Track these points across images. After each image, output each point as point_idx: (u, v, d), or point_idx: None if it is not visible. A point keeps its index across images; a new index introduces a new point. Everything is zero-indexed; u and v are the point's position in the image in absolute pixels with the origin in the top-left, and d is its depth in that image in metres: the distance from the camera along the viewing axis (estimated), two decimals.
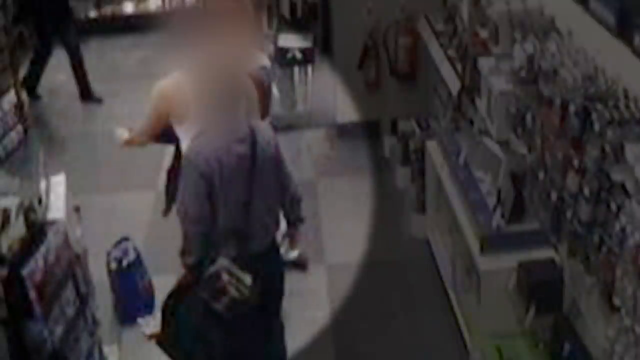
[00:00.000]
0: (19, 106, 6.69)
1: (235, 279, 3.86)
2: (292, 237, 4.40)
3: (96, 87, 8.63)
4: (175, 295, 4.10)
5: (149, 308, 5.28)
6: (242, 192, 3.91)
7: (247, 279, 3.87)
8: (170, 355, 4.23)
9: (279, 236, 4.32)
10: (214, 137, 3.91)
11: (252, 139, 3.94)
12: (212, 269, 3.87)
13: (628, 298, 2.88)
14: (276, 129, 5.00)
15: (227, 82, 3.93)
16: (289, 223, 4.33)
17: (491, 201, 4.61)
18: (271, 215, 4.12)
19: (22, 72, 8.29)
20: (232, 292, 3.85)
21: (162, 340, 4.18)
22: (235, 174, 3.88)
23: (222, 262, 3.87)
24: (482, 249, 4.44)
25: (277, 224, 4.21)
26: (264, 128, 4.13)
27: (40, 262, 3.56)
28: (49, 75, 8.75)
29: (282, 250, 4.48)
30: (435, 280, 5.50)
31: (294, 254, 5.36)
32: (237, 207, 3.92)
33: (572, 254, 3.42)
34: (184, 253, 3.99)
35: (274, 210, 4.16)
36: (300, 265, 5.59)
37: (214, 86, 3.92)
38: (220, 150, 3.87)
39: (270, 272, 4.14)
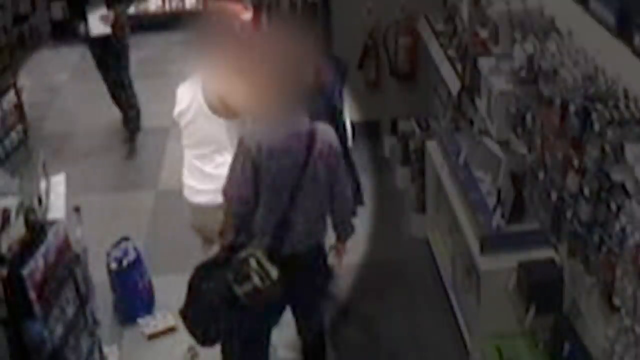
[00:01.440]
0: (19, 106, 6.70)
1: (262, 269, 3.89)
2: (337, 250, 4.36)
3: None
4: (204, 270, 4.09)
5: (149, 308, 5.29)
6: (288, 187, 3.91)
7: (274, 272, 3.89)
8: (190, 331, 4.23)
9: (327, 245, 4.32)
10: (272, 127, 3.95)
11: (310, 139, 3.92)
12: (243, 253, 3.92)
13: (628, 298, 2.88)
14: None
15: (289, 76, 3.93)
16: (337, 235, 4.34)
17: (491, 201, 4.61)
18: (316, 220, 4.08)
19: (22, 72, 8.28)
20: (255, 280, 3.87)
21: (184, 314, 4.19)
22: (286, 168, 3.90)
23: (254, 249, 3.92)
24: (482, 249, 4.44)
25: (323, 230, 4.18)
26: (329, 134, 4.06)
27: (40, 262, 3.56)
28: (49, 76, 8.77)
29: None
30: (435, 280, 5.50)
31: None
32: (280, 200, 3.93)
33: (572, 254, 3.42)
34: (222, 232, 4.08)
35: (320, 216, 4.12)
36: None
37: (277, 79, 3.92)
38: (275, 141, 3.90)
39: (308, 276, 4.16)
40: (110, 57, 7.41)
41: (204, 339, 4.15)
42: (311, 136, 3.93)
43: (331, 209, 4.16)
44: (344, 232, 4.29)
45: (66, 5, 8.26)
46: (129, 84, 7.67)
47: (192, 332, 4.15)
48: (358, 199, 4.93)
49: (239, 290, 3.91)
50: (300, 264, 4.06)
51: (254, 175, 3.89)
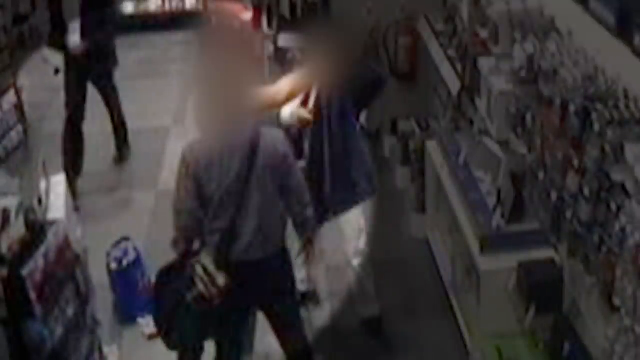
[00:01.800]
0: (19, 106, 6.68)
1: (208, 276, 3.95)
2: (306, 253, 4.37)
3: None
4: (164, 276, 4.17)
5: (149, 308, 5.27)
6: (233, 196, 3.96)
7: (220, 279, 3.95)
8: (158, 334, 4.30)
9: (293, 250, 4.33)
10: (212, 139, 4.01)
11: (253, 146, 3.96)
12: (193, 260, 3.99)
13: (628, 298, 2.88)
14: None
15: (229, 90, 4.00)
16: (299, 236, 4.35)
17: (491, 201, 4.61)
18: (271, 226, 4.09)
19: (22, 72, 8.26)
20: (200, 286, 3.95)
21: (154, 319, 4.30)
22: (228, 179, 3.95)
23: (203, 256, 3.99)
24: (482, 249, 4.44)
25: (280, 234, 4.17)
26: (274, 137, 4.10)
27: (40, 262, 3.56)
28: (49, 76, 8.74)
29: (298, 263, 4.51)
30: (435, 280, 5.49)
31: (304, 287, 5.24)
32: (226, 210, 3.98)
33: (572, 254, 3.42)
34: (175, 242, 4.10)
35: (277, 222, 4.14)
36: (311, 298, 5.42)
37: (214, 92, 4.02)
38: (216, 152, 3.96)
39: (272, 283, 4.17)
40: (96, 80, 6.93)
41: (167, 343, 4.21)
42: (253, 145, 3.96)
43: (288, 211, 4.18)
44: (304, 230, 4.27)
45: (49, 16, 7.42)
46: (116, 103, 7.19)
47: (161, 336, 4.23)
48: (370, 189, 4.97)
49: (189, 296, 3.99)
50: (261, 270, 4.08)
51: (196, 189, 3.96)
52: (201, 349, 4.33)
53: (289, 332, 4.36)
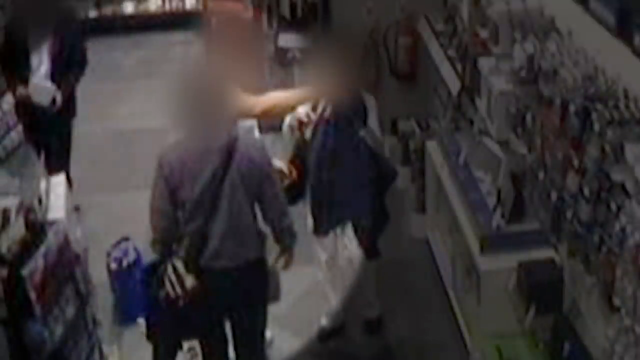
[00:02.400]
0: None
1: (176, 277, 3.98)
2: (285, 259, 4.34)
3: (96, 87, 8.62)
4: (146, 273, 4.26)
5: (149, 308, 5.28)
6: (206, 202, 3.95)
7: (189, 281, 3.97)
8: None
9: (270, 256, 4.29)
10: (186, 143, 4.04)
11: (229, 151, 3.94)
12: (166, 261, 4.04)
13: (628, 298, 2.88)
14: (276, 129, 5.01)
15: (205, 93, 4.00)
16: (278, 244, 4.34)
17: (491, 201, 4.61)
18: (241, 233, 4.05)
19: None
20: (167, 286, 3.99)
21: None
22: (201, 183, 3.94)
23: (175, 258, 4.02)
24: (482, 249, 4.44)
25: (254, 245, 4.10)
26: (251, 144, 4.08)
27: (40, 262, 3.56)
28: None
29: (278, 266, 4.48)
30: (435, 280, 5.49)
31: (372, 312, 5.17)
32: (199, 214, 3.98)
33: (572, 254, 3.42)
34: (153, 242, 4.16)
35: (245, 229, 4.06)
36: (372, 325, 5.22)
37: (190, 95, 4.01)
38: (187, 158, 3.96)
39: (242, 294, 4.13)
40: (52, 139, 5.91)
41: (147, 335, 4.31)
42: (229, 152, 3.93)
43: (265, 220, 4.16)
44: (283, 240, 4.25)
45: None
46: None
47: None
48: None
49: (160, 296, 4.05)
50: (230, 280, 4.04)
51: (168, 191, 3.99)
52: (177, 346, 4.37)
53: (248, 350, 4.32)
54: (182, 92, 4.03)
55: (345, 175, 4.68)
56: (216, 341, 4.32)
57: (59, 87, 5.66)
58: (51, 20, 5.60)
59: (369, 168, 4.71)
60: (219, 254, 4.01)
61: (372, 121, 4.80)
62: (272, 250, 4.30)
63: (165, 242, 4.07)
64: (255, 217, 4.11)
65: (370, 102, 4.87)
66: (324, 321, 5.11)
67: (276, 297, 4.47)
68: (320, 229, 4.85)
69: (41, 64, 5.63)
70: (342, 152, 4.66)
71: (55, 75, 5.66)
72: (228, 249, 4.02)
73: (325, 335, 5.11)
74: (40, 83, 5.63)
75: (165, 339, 4.30)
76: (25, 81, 5.51)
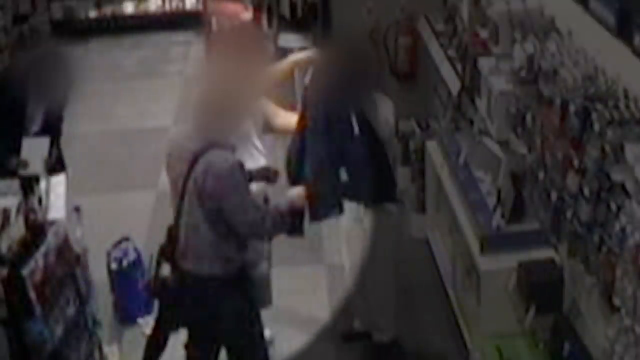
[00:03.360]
0: None
1: (157, 265, 4.02)
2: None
3: (96, 87, 8.63)
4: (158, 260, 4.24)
5: (149, 308, 5.28)
6: (177, 199, 3.92)
7: (165, 271, 3.98)
8: None
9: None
10: (176, 137, 4.14)
11: (192, 162, 3.81)
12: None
13: (628, 298, 2.88)
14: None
15: (214, 91, 3.96)
16: None
17: (491, 201, 4.61)
18: (196, 244, 3.92)
19: None
20: (151, 273, 4.06)
21: None
22: (175, 180, 3.93)
23: (163, 245, 4.05)
24: (482, 249, 4.44)
25: (211, 261, 3.95)
26: (212, 161, 3.80)
27: (40, 262, 3.56)
28: None
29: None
30: (435, 280, 5.49)
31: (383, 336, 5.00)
32: (174, 206, 3.97)
33: (572, 254, 3.42)
34: None
35: (199, 240, 3.91)
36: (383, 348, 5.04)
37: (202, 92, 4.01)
38: (173, 151, 3.99)
39: (195, 305, 4.04)
40: None
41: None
42: (194, 159, 3.81)
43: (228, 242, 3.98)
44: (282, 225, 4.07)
45: None
46: None
47: None
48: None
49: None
50: (192, 286, 3.98)
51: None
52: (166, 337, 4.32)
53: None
54: (198, 86, 4.06)
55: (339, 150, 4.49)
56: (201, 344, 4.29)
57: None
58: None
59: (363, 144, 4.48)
60: (184, 255, 3.96)
61: (386, 118, 4.70)
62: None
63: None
64: (220, 235, 3.90)
65: (384, 101, 4.77)
66: (357, 323, 5.01)
67: (269, 302, 4.47)
68: (318, 214, 4.68)
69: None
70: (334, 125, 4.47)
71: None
72: (189, 254, 3.96)
73: (352, 336, 5.03)
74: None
75: (162, 326, 4.29)
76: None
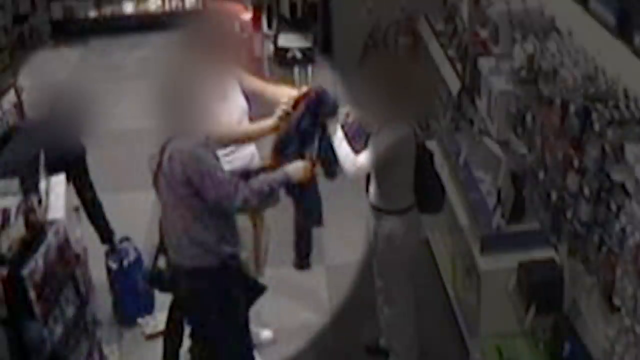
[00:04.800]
0: (19, 106, 6.69)
1: (154, 256, 4.18)
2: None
3: (96, 87, 8.63)
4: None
5: (149, 308, 5.28)
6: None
7: (161, 261, 4.12)
8: None
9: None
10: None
11: (160, 155, 3.90)
12: None
13: (628, 298, 2.88)
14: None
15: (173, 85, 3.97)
16: None
17: (491, 201, 4.61)
18: (171, 235, 3.99)
19: (22, 72, 8.28)
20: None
21: None
22: (154, 172, 4.02)
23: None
24: (482, 249, 4.44)
25: (188, 253, 3.95)
26: (175, 147, 3.85)
27: (40, 262, 3.56)
28: (49, 76, 8.75)
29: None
30: (435, 280, 5.49)
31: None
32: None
33: (572, 254, 3.42)
34: None
35: (174, 232, 3.96)
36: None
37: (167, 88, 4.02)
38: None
39: (178, 293, 4.23)
40: None
41: None
42: (161, 151, 3.89)
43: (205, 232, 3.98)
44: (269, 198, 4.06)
45: None
46: None
47: None
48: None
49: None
50: (179, 278, 4.06)
51: None
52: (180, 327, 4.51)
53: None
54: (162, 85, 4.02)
55: None
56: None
57: None
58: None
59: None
60: (170, 245, 4.04)
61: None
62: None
63: None
64: (195, 223, 3.89)
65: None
66: (382, 341, 4.86)
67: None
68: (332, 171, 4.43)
69: None
70: None
71: None
72: (176, 248, 4.00)
73: (375, 351, 4.90)
74: None
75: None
76: None
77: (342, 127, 4.26)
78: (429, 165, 4.36)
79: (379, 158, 4.15)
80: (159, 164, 3.90)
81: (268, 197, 3.99)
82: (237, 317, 4.14)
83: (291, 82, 4.65)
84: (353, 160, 4.15)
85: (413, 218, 4.38)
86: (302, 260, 4.64)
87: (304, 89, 4.38)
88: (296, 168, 4.05)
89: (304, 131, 4.21)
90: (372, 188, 4.40)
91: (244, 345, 4.27)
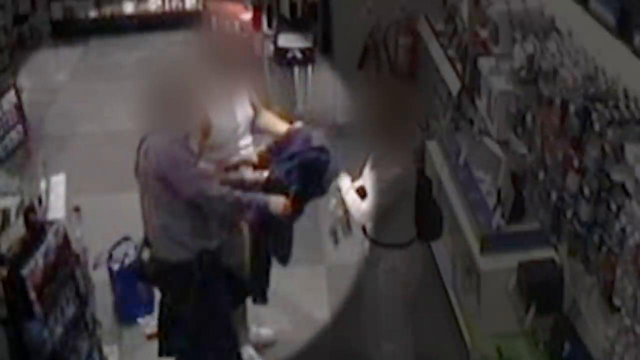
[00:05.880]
0: (19, 106, 6.69)
1: (140, 249, 4.25)
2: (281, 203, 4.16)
3: (96, 86, 8.63)
4: None
5: (149, 308, 5.28)
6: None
7: (145, 253, 4.16)
8: None
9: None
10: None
11: (138, 150, 4.00)
12: None
13: (628, 298, 2.88)
14: None
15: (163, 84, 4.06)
16: None
17: (491, 201, 4.61)
18: (151, 230, 4.11)
19: (22, 72, 8.27)
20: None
21: None
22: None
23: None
24: (482, 249, 4.44)
25: (162, 245, 4.05)
26: (150, 142, 3.96)
27: (40, 262, 3.56)
28: (49, 75, 8.76)
29: None
30: (435, 280, 5.49)
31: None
32: None
33: (572, 254, 3.42)
34: None
35: (153, 228, 4.08)
36: None
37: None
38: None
39: (160, 286, 4.35)
40: None
41: None
42: (139, 147, 4.01)
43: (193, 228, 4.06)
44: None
45: None
46: None
47: None
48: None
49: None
50: (158, 271, 4.16)
51: None
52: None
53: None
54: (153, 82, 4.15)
55: None
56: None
57: None
58: None
59: None
60: (151, 239, 4.13)
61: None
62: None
63: None
64: (170, 218, 3.99)
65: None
66: None
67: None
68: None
69: None
70: None
71: None
72: (159, 244, 4.10)
73: None
74: None
75: None
76: None
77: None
78: (428, 194, 4.27)
79: (378, 200, 4.08)
80: (137, 160, 3.97)
81: (240, 210, 4.06)
82: (216, 314, 4.16)
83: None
84: (358, 206, 4.15)
85: (415, 251, 4.27)
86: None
87: (297, 125, 4.44)
88: (277, 201, 4.07)
89: (287, 172, 4.23)
90: (371, 222, 4.24)
91: (228, 343, 4.29)
